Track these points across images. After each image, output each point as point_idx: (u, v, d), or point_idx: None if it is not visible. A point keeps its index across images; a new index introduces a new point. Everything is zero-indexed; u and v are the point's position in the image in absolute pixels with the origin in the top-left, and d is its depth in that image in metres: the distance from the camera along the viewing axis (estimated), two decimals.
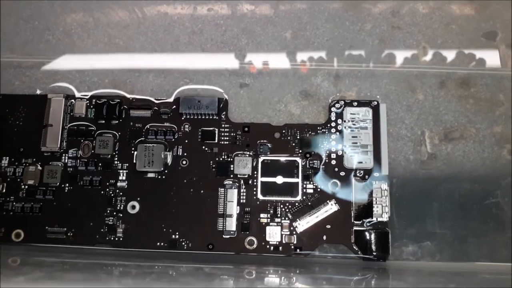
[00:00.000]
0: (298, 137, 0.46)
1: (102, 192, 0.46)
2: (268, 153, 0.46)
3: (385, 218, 0.44)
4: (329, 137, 0.46)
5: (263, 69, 0.50)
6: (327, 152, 0.46)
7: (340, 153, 0.46)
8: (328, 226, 0.44)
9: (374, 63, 0.49)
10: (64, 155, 0.46)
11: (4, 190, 0.46)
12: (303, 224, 0.45)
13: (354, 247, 0.44)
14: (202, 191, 0.45)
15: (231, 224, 0.44)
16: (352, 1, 0.51)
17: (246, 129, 0.47)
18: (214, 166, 0.46)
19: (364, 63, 0.50)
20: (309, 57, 0.50)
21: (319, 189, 0.45)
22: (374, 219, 0.44)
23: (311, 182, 0.45)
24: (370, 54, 0.50)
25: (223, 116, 0.47)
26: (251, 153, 0.46)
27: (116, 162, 0.46)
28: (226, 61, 0.50)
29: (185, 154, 0.46)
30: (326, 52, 0.50)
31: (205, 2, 0.52)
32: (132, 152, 0.46)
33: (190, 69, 0.50)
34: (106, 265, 0.39)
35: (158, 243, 0.44)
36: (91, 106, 0.47)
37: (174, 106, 0.47)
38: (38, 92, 0.49)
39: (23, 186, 0.46)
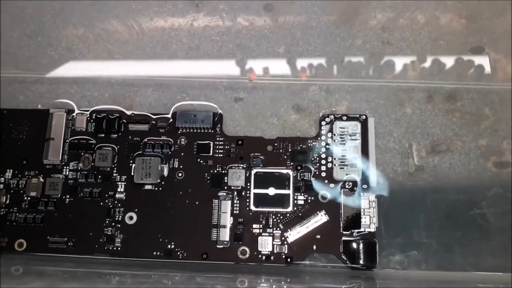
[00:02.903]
0: (289, 150, 0.48)
1: (101, 203, 0.47)
2: (261, 165, 0.48)
3: (372, 228, 0.46)
4: (319, 150, 0.48)
5: (260, 83, 0.52)
6: (317, 164, 0.48)
7: (329, 165, 0.48)
8: (318, 236, 0.46)
9: (364, 77, 0.51)
10: (65, 167, 0.48)
11: (7, 202, 0.48)
12: (294, 234, 0.46)
13: (343, 257, 0.46)
14: (197, 202, 0.47)
15: (225, 235, 0.46)
16: (343, 16, 0.53)
17: (240, 142, 0.49)
18: (208, 178, 0.48)
19: (355, 77, 0.51)
20: (302, 72, 0.51)
21: (309, 201, 0.47)
22: (362, 229, 0.46)
23: (302, 194, 0.47)
24: (360, 68, 0.51)
25: (218, 130, 0.49)
26: (244, 166, 0.48)
27: (115, 175, 0.48)
28: (222, 76, 0.52)
29: (181, 166, 0.48)
30: (318, 67, 0.52)
31: (201, 19, 0.54)
32: (130, 164, 0.48)
33: (187, 84, 0.52)
34: (104, 274, 0.41)
35: (155, 253, 0.46)
36: (91, 120, 0.49)
37: (171, 120, 0.49)
38: (40, 106, 0.51)
39: (25, 198, 0.48)
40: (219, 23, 0.54)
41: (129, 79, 0.52)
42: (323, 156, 0.48)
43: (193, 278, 0.42)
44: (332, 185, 0.47)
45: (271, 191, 0.47)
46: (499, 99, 0.50)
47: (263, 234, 0.46)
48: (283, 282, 0.44)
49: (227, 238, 0.46)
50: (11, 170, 0.48)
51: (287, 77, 0.52)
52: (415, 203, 0.48)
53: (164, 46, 0.53)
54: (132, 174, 0.48)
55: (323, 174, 0.47)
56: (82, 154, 0.49)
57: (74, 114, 0.50)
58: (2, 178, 0.48)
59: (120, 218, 0.47)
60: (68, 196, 0.48)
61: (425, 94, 0.51)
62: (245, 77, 0.52)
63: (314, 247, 0.46)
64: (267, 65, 0.52)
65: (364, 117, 0.48)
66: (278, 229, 0.46)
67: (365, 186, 0.47)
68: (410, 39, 0.52)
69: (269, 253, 0.46)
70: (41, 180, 0.48)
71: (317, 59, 0.52)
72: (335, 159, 0.48)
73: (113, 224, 0.47)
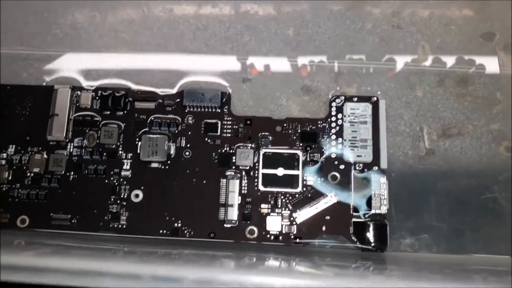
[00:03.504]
0: (299, 131, 0.47)
1: (106, 180, 0.46)
2: (270, 145, 0.47)
3: (383, 210, 0.45)
4: (329, 131, 0.47)
5: (265, 71, 0.51)
6: (327, 145, 0.47)
7: (339, 147, 0.47)
8: (328, 217, 0.45)
9: (374, 61, 0.51)
10: (69, 144, 0.47)
11: (10, 178, 0.46)
12: (303, 215, 0.45)
13: (353, 238, 0.45)
14: (204, 182, 0.46)
15: (233, 214, 0.45)
16: (353, 1, 0.52)
17: (248, 122, 0.48)
18: (216, 157, 0.47)
19: (365, 61, 0.51)
20: (312, 53, 0.51)
21: (318, 182, 0.46)
22: (373, 211, 0.45)
23: (311, 175, 0.46)
24: (370, 52, 0.51)
25: (225, 110, 0.48)
26: (253, 145, 0.47)
27: (120, 152, 0.47)
28: (230, 57, 0.51)
29: (188, 145, 0.47)
30: (328, 49, 0.51)
31: (209, 2, 0.53)
32: (137, 142, 0.47)
33: (194, 64, 0.51)
34: (111, 248, 0.40)
35: (161, 231, 0.45)
36: (97, 98, 0.48)
37: (178, 99, 0.48)
38: (45, 83, 0.50)
39: (28, 174, 0.47)
40: (228, 3, 0.53)
41: (135, 59, 0.51)
42: (333, 137, 0.47)
43: (202, 255, 0.41)
44: (342, 166, 0.46)
45: (280, 171, 0.46)
46: (511, 84, 0.49)
47: (271, 214, 0.45)
48: (291, 260, 0.43)
49: (235, 218, 0.45)
50: (13, 145, 0.47)
51: (293, 65, 0.51)
52: (426, 186, 0.47)
53: (171, 26, 0.52)
54: (138, 151, 0.47)
55: (333, 156, 0.47)
56: (87, 131, 0.48)
57: (79, 91, 0.49)
58: (4, 154, 0.47)
59: (125, 196, 0.46)
60: (72, 173, 0.47)
61: (436, 78, 0.50)
62: (251, 67, 0.51)
63: (324, 228, 0.45)
64: (275, 47, 0.51)
65: (375, 98, 0.48)
66: (287, 209, 0.46)
67: (375, 168, 0.46)
68: (421, 24, 0.52)
69: (277, 233, 0.45)
70: (45, 156, 0.47)
71: (327, 41, 0.51)
72: (345, 140, 0.47)
73: (118, 201, 0.46)
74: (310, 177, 0.46)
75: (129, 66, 0.51)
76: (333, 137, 0.47)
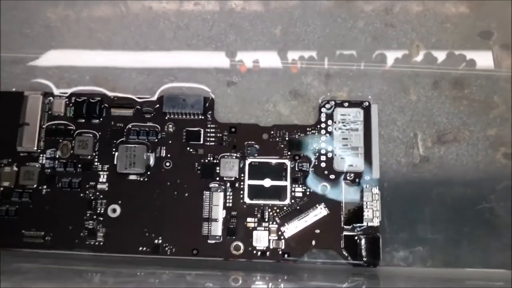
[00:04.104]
0: (287, 139, 0.45)
1: (81, 194, 0.44)
2: (256, 155, 0.45)
3: (376, 223, 0.43)
4: (319, 139, 0.45)
5: (253, 67, 0.48)
6: (317, 154, 0.44)
7: (330, 155, 0.44)
8: (317, 231, 0.43)
9: (366, 62, 0.48)
10: (41, 155, 0.44)
11: None
12: (292, 228, 0.43)
13: (344, 253, 0.43)
14: (186, 194, 0.44)
15: (217, 229, 0.43)
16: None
17: (233, 129, 0.45)
18: (199, 168, 0.44)
19: (356, 62, 0.48)
20: (300, 55, 0.48)
21: (308, 193, 0.44)
22: (365, 223, 0.43)
23: (300, 185, 0.44)
24: (362, 52, 0.48)
25: (209, 116, 0.45)
26: (238, 155, 0.45)
27: (96, 163, 0.44)
28: (214, 59, 0.48)
29: (169, 155, 0.44)
30: (317, 50, 0.48)
31: None
32: (113, 153, 0.44)
33: (175, 67, 0.48)
34: (84, 272, 0.37)
35: (141, 248, 0.43)
36: (70, 104, 0.45)
37: (158, 105, 0.45)
38: (14, 89, 0.46)
39: None
40: (211, 1, 0.50)
41: (112, 60, 0.48)
42: (323, 145, 0.45)
43: (183, 276, 0.38)
44: (332, 176, 0.44)
45: (267, 182, 0.44)
46: (509, 86, 0.47)
47: (258, 228, 0.43)
48: (280, 280, 0.41)
49: (219, 233, 0.43)
50: None
51: (284, 61, 0.48)
52: (420, 196, 0.45)
53: (151, 25, 0.49)
54: (115, 163, 0.44)
55: (323, 165, 0.44)
56: (60, 141, 0.45)
57: (51, 98, 0.45)
58: None
59: (102, 211, 0.43)
60: (45, 187, 0.44)
61: (430, 80, 0.47)
62: (239, 63, 0.48)
63: (313, 242, 0.43)
64: (261, 47, 0.49)
65: (367, 103, 0.45)
66: (274, 223, 0.43)
67: (367, 178, 0.44)
68: (415, 22, 0.49)
69: (264, 248, 0.43)
70: (15, 169, 0.44)
71: (316, 41, 0.48)
72: (335, 148, 0.44)
73: (94, 217, 0.43)
74: (299, 188, 0.44)
75: (105, 69, 0.48)
76: (323, 145, 0.45)
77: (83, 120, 0.45)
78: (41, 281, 0.35)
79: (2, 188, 0.44)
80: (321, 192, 0.44)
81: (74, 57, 0.48)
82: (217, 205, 0.43)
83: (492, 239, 0.44)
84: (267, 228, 0.43)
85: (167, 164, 0.44)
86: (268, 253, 0.43)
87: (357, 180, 0.44)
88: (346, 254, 0.43)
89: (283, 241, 0.43)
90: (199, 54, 0.49)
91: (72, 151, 0.44)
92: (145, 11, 0.50)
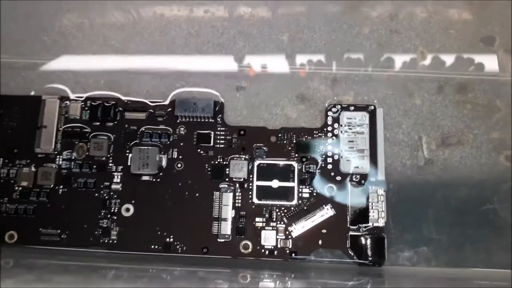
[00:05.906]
0: (294, 141, 0.46)
1: (96, 194, 0.45)
2: (264, 156, 0.46)
3: (381, 223, 0.44)
4: (326, 141, 0.46)
5: (262, 72, 0.49)
6: (323, 156, 0.46)
7: (336, 157, 0.46)
8: (324, 231, 0.44)
9: (372, 67, 0.49)
10: (58, 156, 0.46)
11: None
12: (299, 228, 0.44)
13: (350, 252, 0.44)
14: (197, 194, 0.45)
15: (226, 228, 0.44)
16: (350, 3, 0.51)
17: (242, 132, 0.46)
18: (209, 169, 0.46)
19: (362, 67, 0.49)
20: (307, 60, 0.49)
21: (315, 194, 0.45)
22: (370, 224, 0.44)
23: (307, 187, 0.45)
24: (367, 58, 0.49)
25: (218, 119, 0.47)
26: (246, 157, 0.46)
27: (110, 165, 0.46)
28: (223, 65, 0.50)
29: (180, 157, 0.46)
30: (324, 55, 0.50)
31: (201, 3, 0.51)
32: (127, 154, 0.46)
33: (186, 71, 0.49)
34: (98, 268, 0.39)
35: (153, 246, 0.44)
36: (86, 108, 0.47)
37: (170, 109, 0.47)
38: (33, 93, 0.48)
39: (16, 188, 0.45)
40: (220, 8, 0.51)
41: (126, 66, 0.50)
42: (329, 147, 0.46)
43: (194, 273, 0.40)
44: (338, 177, 0.45)
45: (275, 183, 0.45)
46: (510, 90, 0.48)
47: (266, 228, 0.44)
48: (287, 278, 0.42)
49: (229, 232, 0.44)
50: (0, 159, 0.46)
51: (290, 67, 0.49)
52: (425, 197, 0.46)
53: (163, 32, 0.51)
54: (129, 164, 0.45)
55: (329, 167, 0.45)
56: (76, 142, 0.46)
57: (68, 102, 0.47)
58: None
59: (116, 210, 0.45)
60: (61, 187, 0.45)
61: (435, 85, 0.49)
62: (248, 67, 0.49)
63: (320, 242, 0.44)
64: (269, 53, 0.50)
65: (372, 107, 0.46)
66: (282, 222, 0.44)
67: (373, 179, 0.45)
68: (419, 28, 0.50)
69: (272, 247, 0.44)
70: (33, 169, 0.46)
71: (323, 47, 0.50)
72: (342, 151, 0.46)
73: (108, 216, 0.45)
74: (306, 189, 0.45)
75: (119, 74, 0.49)
76: (329, 147, 0.46)
77: (98, 123, 0.47)
78: (60, 275, 0.36)
79: (20, 188, 0.45)
80: (328, 193, 0.45)
81: (89, 63, 0.50)
82: (226, 205, 0.44)
83: (495, 240, 0.45)
84: (275, 228, 0.44)
85: (179, 165, 0.46)
86: (276, 252, 0.44)
87: (362, 181, 0.45)
88: (352, 254, 0.44)
89: (290, 240, 0.44)
90: (209, 59, 0.50)
91: (87, 153, 0.46)
92: (157, 18, 0.51)
